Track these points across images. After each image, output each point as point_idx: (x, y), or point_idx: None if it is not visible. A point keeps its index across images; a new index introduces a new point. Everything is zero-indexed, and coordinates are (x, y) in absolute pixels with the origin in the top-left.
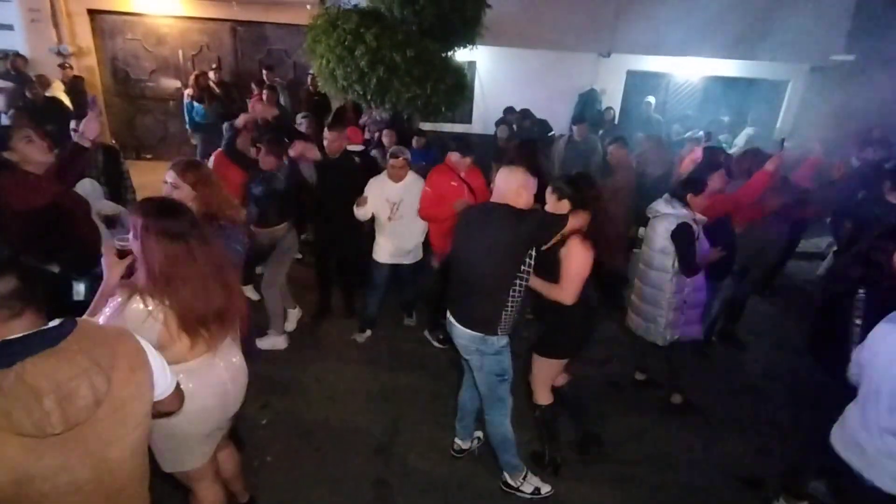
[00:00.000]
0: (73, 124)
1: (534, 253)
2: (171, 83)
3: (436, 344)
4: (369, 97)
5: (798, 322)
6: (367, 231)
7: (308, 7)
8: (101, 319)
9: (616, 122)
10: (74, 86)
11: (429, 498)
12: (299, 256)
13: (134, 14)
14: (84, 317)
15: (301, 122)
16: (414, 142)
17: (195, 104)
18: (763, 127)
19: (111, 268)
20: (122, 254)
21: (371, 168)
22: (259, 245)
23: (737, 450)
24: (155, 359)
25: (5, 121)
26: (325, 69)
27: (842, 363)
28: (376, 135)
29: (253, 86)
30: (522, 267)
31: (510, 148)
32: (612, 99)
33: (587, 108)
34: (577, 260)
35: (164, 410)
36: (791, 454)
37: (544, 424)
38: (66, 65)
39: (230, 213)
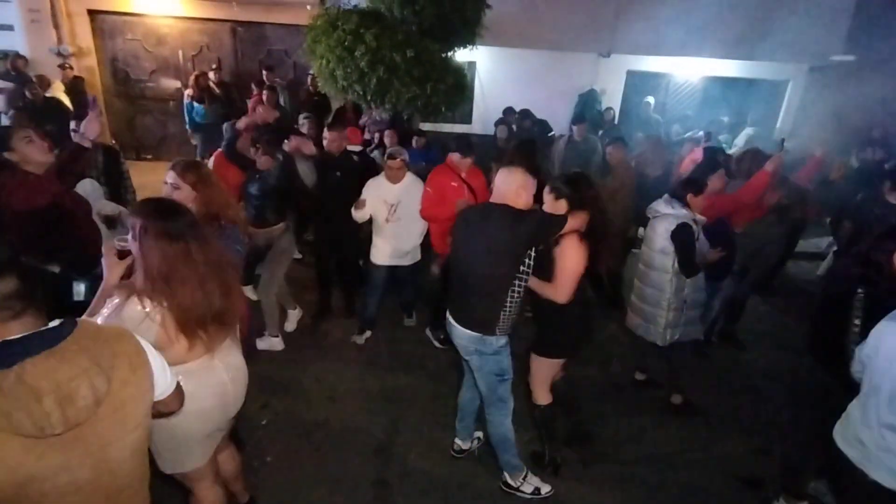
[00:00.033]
0: (72, 125)
1: (533, 253)
2: (171, 83)
3: (437, 344)
4: (369, 97)
5: (798, 322)
6: (367, 233)
7: (308, 7)
8: (98, 320)
9: (616, 122)
10: (74, 86)
11: (429, 498)
12: (299, 257)
13: (134, 14)
14: (83, 317)
15: (303, 123)
16: (414, 142)
17: (195, 104)
18: (763, 127)
19: (111, 268)
20: (123, 254)
21: (369, 168)
22: (256, 246)
23: (737, 450)
24: (155, 359)
25: (5, 121)
26: (325, 69)
27: (841, 363)
28: (376, 135)
29: (253, 86)
30: (521, 267)
31: (509, 148)
32: (612, 99)
33: (587, 109)
34: (571, 258)
35: (164, 410)
36: (791, 454)
37: (544, 424)
38: (67, 65)
39: (230, 213)
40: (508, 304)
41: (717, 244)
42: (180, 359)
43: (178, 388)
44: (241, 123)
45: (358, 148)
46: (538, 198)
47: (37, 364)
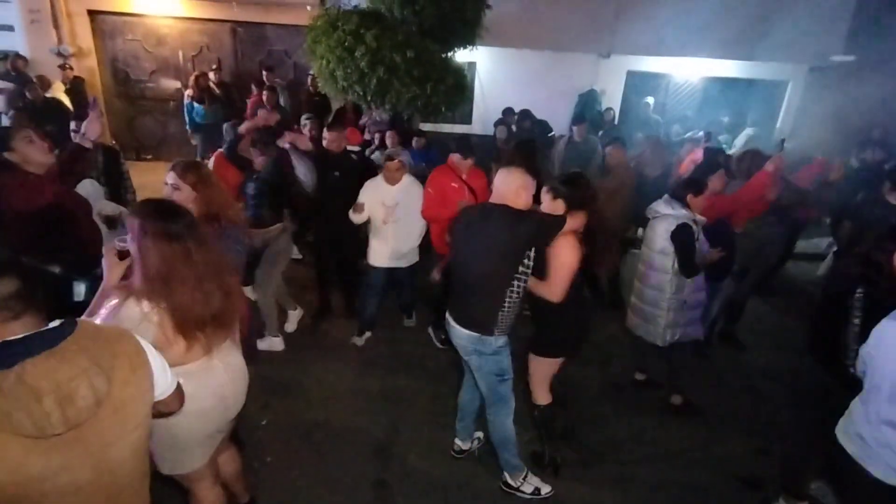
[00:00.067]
0: (72, 125)
1: (532, 254)
2: (172, 84)
3: (438, 344)
4: (369, 98)
5: (798, 322)
6: (367, 233)
7: (308, 8)
8: (96, 321)
9: (616, 122)
10: (75, 87)
11: (429, 498)
12: (299, 257)
13: (134, 15)
14: (82, 317)
15: (305, 124)
16: (414, 142)
17: (195, 105)
18: (763, 128)
19: (111, 269)
20: (123, 255)
21: (368, 168)
22: (253, 247)
23: (737, 450)
24: (155, 359)
25: (6, 121)
26: (325, 70)
27: (841, 363)
28: (376, 136)
29: (253, 87)
30: (520, 268)
31: (508, 148)
32: (612, 99)
33: (587, 109)
34: (564, 257)
35: (164, 411)
36: (791, 454)
37: (543, 424)
38: (67, 65)
39: (231, 213)
40: (507, 305)
41: (717, 244)
42: (179, 360)
43: (179, 388)
44: (243, 128)
45: (356, 148)
46: (536, 198)
47: (37, 364)
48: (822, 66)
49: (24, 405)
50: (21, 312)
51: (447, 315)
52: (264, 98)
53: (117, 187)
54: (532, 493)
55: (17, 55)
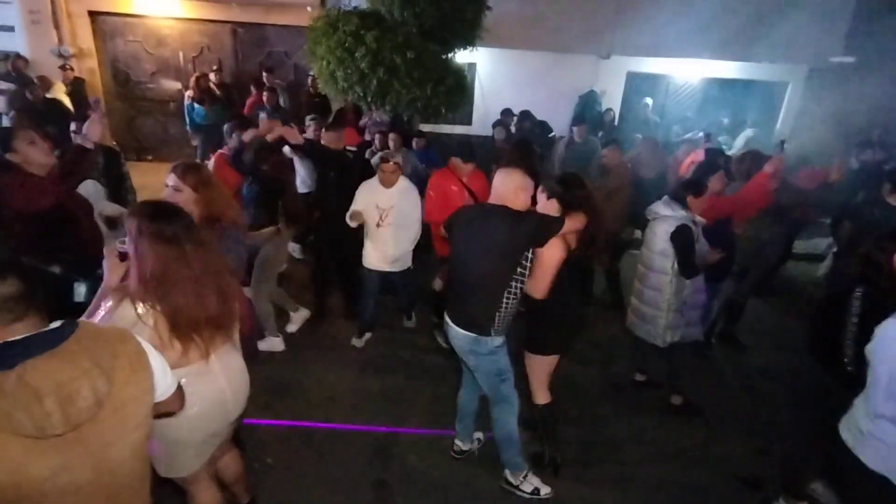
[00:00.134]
0: (73, 126)
1: (530, 255)
2: (172, 85)
3: (444, 345)
4: (369, 99)
5: (798, 322)
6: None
7: (308, 9)
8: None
9: (616, 123)
10: (75, 87)
11: (429, 499)
12: (300, 257)
13: (134, 16)
14: (82, 318)
15: (309, 125)
16: (414, 143)
17: (196, 106)
18: (762, 129)
19: (112, 270)
20: (124, 256)
21: (366, 169)
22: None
23: (737, 450)
24: (156, 359)
25: (6, 122)
26: (326, 71)
27: (840, 362)
28: (377, 137)
29: (252, 88)
30: (519, 269)
31: (507, 149)
32: (612, 100)
33: (587, 110)
34: (547, 254)
35: (165, 411)
36: (791, 454)
37: (543, 424)
38: (67, 66)
39: (231, 213)
40: (505, 305)
41: (717, 245)
42: (175, 363)
43: (180, 389)
44: (247, 136)
45: (353, 148)
46: (534, 198)
47: (38, 365)
48: (821, 67)
49: (24, 405)
50: (22, 313)
51: (445, 315)
52: (264, 99)
53: (118, 188)
54: (531, 493)
55: (18, 56)
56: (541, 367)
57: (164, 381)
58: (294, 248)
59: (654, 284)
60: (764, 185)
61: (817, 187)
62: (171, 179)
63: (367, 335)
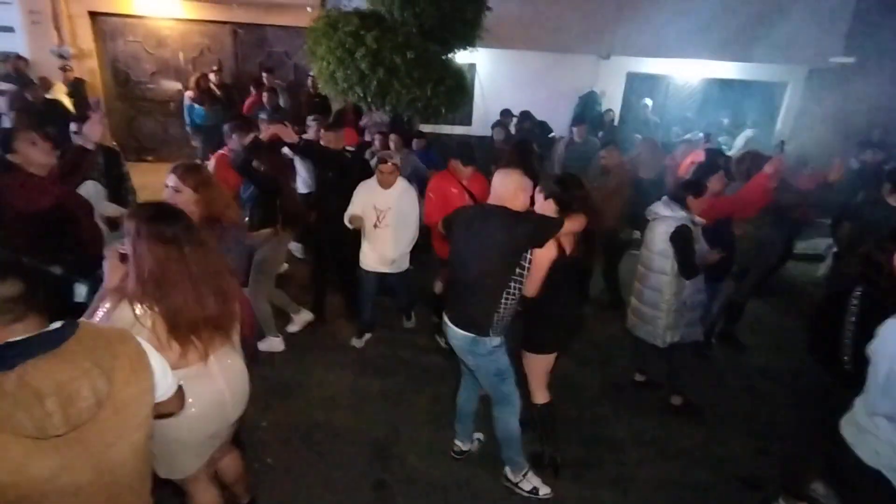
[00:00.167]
0: (73, 126)
1: (529, 255)
2: (172, 85)
3: (444, 345)
4: (369, 99)
5: (798, 322)
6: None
7: (308, 9)
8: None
9: (616, 123)
10: (75, 88)
11: (429, 499)
12: (301, 257)
13: (135, 16)
14: (82, 319)
15: (311, 125)
16: (414, 144)
17: (196, 106)
18: (762, 129)
19: (112, 271)
20: (125, 257)
21: (364, 169)
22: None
23: (737, 450)
24: (156, 360)
25: (6, 123)
26: (326, 71)
27: (840, 362)
28: (377, 137)
29: (252, 88)
30: (517, 269)
31: (506, 149)
32: (612, 101)
33: (587, 110)
34: (540, 253)
35: (165, 411)
36: (791, 454)
37: (542, 424)
38: (67, 67)
39: (231, 213)
40: (503, 306)
41: (717, 246)
42: (173, 365)
43: (180, 389)
44: (248, 140)
45: (352, 148)
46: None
47: (38, 365)
48: (821, 68)
49: (25, 406)
50: (23, 314)
51: (444, 315)
52: (264, 99)
53: (118, 189)
54: (530, 492)
55: (18, 56)
56: (538, 367)
57: (164, 381)
58: (296, 248)
59: (653, 285)
60: (764, 185)
61: (817, 187)
62: (172, 180)
63: (367, 336)
